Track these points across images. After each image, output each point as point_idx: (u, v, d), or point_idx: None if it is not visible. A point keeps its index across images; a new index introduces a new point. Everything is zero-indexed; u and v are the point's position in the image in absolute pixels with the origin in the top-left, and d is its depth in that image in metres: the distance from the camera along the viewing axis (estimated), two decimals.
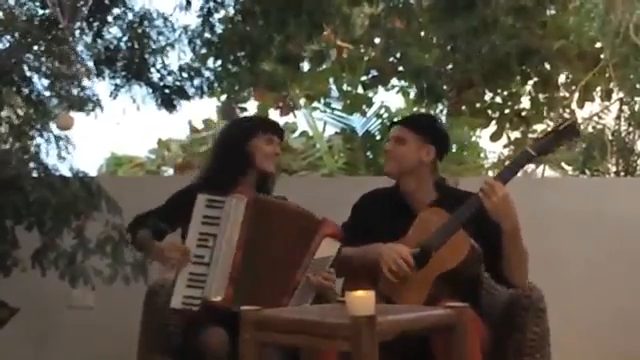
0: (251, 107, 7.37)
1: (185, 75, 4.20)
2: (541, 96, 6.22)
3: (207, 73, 4.28)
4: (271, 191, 2.31)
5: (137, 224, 2.27)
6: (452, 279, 2.04)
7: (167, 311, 2.09)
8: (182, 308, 2.05)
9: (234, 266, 2.06)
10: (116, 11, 4.03)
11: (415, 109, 6.64)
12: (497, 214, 2.01)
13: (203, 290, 2.05)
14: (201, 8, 4.23)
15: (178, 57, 4.21)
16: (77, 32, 3.65)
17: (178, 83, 4.20)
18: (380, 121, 6.77)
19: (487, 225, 2.04)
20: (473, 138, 7.58)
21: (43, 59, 3.17)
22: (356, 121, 6.82)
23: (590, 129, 6.64)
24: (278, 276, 2.08)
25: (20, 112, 2.88)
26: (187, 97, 4.25)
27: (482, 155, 7.87)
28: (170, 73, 4.22)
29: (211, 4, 4.21)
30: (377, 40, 5.72)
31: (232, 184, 2.17)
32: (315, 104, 6.94)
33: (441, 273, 2.04)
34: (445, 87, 5.36)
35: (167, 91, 4.18)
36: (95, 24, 3.93)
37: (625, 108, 6.62)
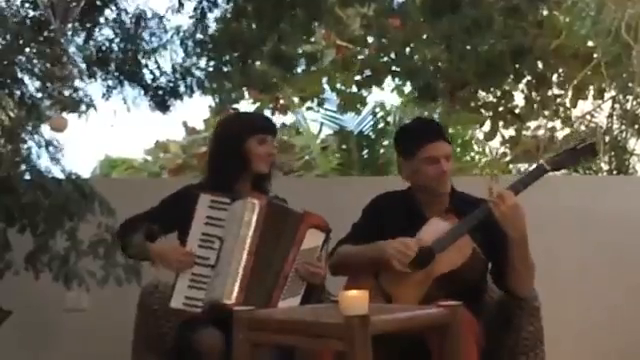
0: (244, 107, 7.36)
1: (177, 75, 4.19)
2: (534, 94, 6.24)
3: (198, 73, 4.27)
4: (268, 190, 2.30)
5: (126, 229, 2.25)
6: (451, 281, 2.05)
7: (166, 311, 2.09)
8: (183, 308, 2.05)
9: (246, 271, 2.05)
10: (108, 12, 4.02)
11: (411, 109, 6.64)
12: (505, 223, 2.02)
13: (207, 292, 2.05)
14: (195, 9, 4.21)
15: (170, 58, 4.20)
16: (69, 33, 3.63)
17: (171, 84, 4.19)
18: (374, 120, 6.79)
19: (495, 234, 2.05)
20: (472, 136, 7.60)
21: (35, 61, 3.16)
22: (350, 121, 6.84)
23: (583, 127, 6.66)
24: (273, 273, 2.08)
25: (12, 114, 2.87)
26: (179, 96, 4.24)
27: (478, 153, 7.89)
28: (163, 74, 4.20)
29: (204, 4, 4.20)
30: (370, 39, 5.72)
31: (231, 185, 2.18)
32: (309, 104, 6.94)
33: (440, 274, 2.06)
34: (440, 86, 5.36)
35: (160, 92, 4.17)
36: (87, 25, 3.91)
37: (617, 106, 6.64)
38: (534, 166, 2.21)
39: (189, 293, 2.05)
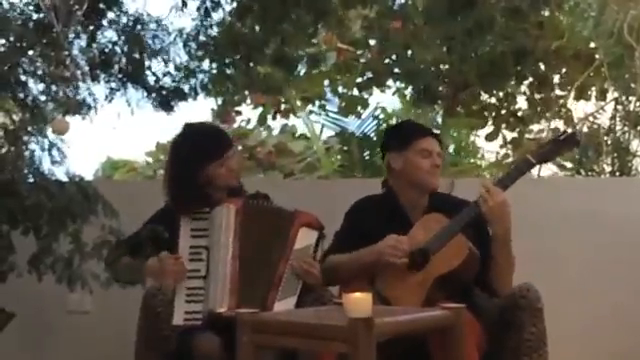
0: (247, 110, 7.37)
1: (181, 75, 4.20)
2: (537, 96, 6.24)
3: (201, 75, 4.28)
4: (243, 191, 2.27)
5: (115, 255, 2.24)
6: (450, 282, 2.05)
7: (169, 313, 2.08)
8: (184, 324, 2.05)
9: (233, 275, 2.06)
10: (111, 15, 4.03)
11: (412, 111, 6.65)
12: (492, 219, 2.04)
13: (204, 303, 2.05)
14: (198, 9, 4.22)
15: (173, 60, 4.21)
16: (72, 36, 3.64)
17: (174, 84, 4.20)
18: (376, 122, 6.79)
19: (483, 231, 2.07)
20: (471, 138, 7.60)
21: (38, 63, 3.17)
22: (352, 123, 6.85)
23: (585, 129, 6.65)
24: (267, 274, 2.09)
25: (15, 117, 2.88)
26: (184, 97, 4.25)
27: (479, 155, 7.88)
28: (166, 74, 4.22)
29: (208, 4, 4.20)
30: (372, 42, 5.73)
31: (204, 199, 2.15)
32: (310, 107, 6.96)
33: (439, 275, 2.05)
34: (441, 88, 5.37)
35: (164, 92, 4.18)
36: (90, 28, 3.93)
37: (620, 108, 6.63)
38: (520, 160, 2.21)
39: (188, 308, 2.05)
